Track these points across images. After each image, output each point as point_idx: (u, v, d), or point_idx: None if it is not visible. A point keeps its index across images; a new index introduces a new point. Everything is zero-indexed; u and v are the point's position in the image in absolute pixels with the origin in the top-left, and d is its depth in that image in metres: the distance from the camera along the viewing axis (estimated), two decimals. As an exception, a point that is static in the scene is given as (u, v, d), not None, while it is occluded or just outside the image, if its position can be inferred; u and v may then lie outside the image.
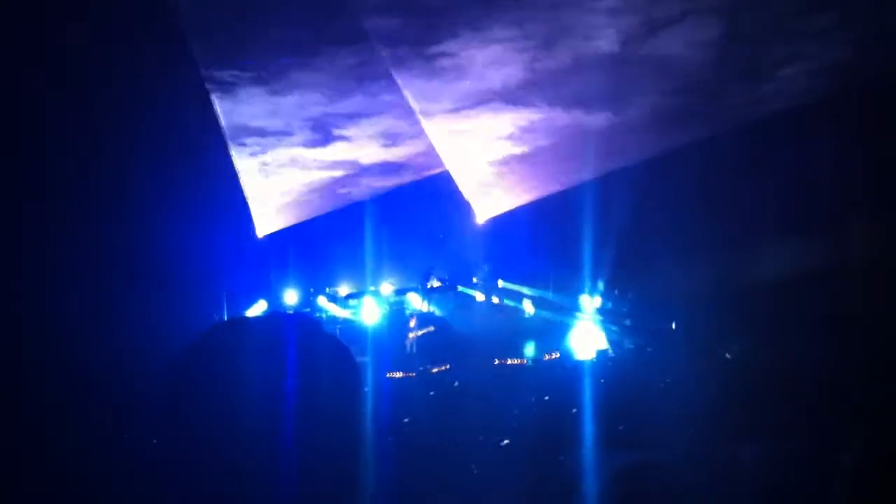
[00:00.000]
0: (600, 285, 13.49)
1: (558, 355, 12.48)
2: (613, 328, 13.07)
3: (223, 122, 11.01)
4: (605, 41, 10.00)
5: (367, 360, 10.64)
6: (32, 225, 7.87)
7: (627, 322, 13.07)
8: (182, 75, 9.47)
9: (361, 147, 12.71)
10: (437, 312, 13.77)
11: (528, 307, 13.76)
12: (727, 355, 10.12)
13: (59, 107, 8.12)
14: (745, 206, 10.90)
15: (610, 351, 12.11)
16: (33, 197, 7.96)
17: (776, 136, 10.36)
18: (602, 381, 8.64)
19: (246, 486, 1.77)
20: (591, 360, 11.48)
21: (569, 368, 11.20)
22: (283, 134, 12.08)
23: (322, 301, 14.01)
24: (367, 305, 13.85)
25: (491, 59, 10.60)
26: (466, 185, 12.59)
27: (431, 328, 12.96)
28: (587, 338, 13.31)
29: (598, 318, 13.48)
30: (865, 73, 9.75)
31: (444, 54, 10.48)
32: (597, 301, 13.62)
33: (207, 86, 10.12)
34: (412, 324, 13.07)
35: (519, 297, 14.00)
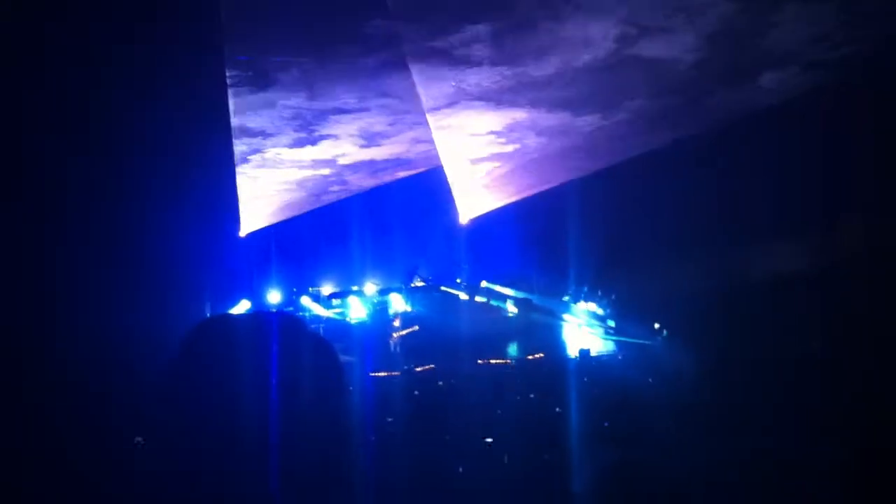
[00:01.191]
0: (584, 286, 13.53)
1: (542, 355, 12.51)
2: (597, 328, 13.12)
3: (210, 119, 10.93)
4: (594, 43, 10.05)
5: (351, 359, 10.62)
6: (26, 221, 7.79)
7: (611, 322, 13.13)
8: (171, 74, 9.39)
9: (345, 145, 12.68)
10: (421, 312, 13.76)
11: (512, 307, 13.76)
12: (711, 354, 10.19)
13: (54, 105, 8.04)
14: (733, 205, 10.98)
15: (593, 351, 12.15)
16: (27, 193, 7.88)
17: (763, 133, 10.42)
18: (585, 380, 8.68)
19: (230, 483, 1.76)
20: (575, 360, 11.52)
21: (552, 368, 11.24)
22: (265, 132, 12.04)
23: (305, 300, 13.95)
24: (350, 305, 13.81)
25: (477, 59, 10.63)
26: (451, 185, 12.60)
27: (415, 328, 12.95)
28: (571, 338, 13.35)
29: (582, 318, 13.52)
30: (857, 68, 9.82)
31: (430, 54, 10.49)
32: (580, 301, 13.66)
33: (194, 83, 10.04)
34: (396, 323, 13.06)
35: (502, 297, 14.00)
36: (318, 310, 13.80)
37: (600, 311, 13.25)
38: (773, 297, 9.97)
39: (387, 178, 13.64)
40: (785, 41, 9.80)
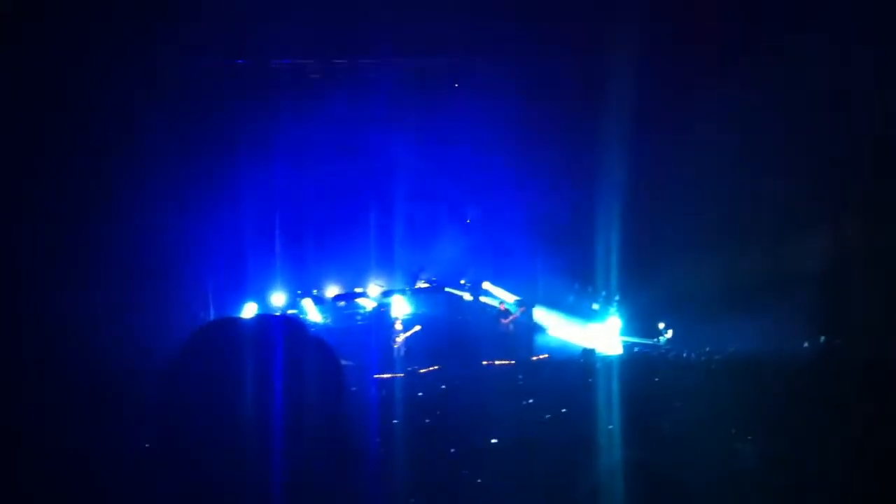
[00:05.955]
0: (589, 287, 13.52)
1: (546, 356, 12.49)
2: (601, 329, 13.11)
3: (217, 122, 10.89)
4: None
5: (354, 361, 10.60)
6: (31, 223, 7.78)
7: (615, 322, 13.13)
8: (177, 73, 9.37)
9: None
10: (425, 313, 13.74)
11: (516, 309, 13.76)
12: (717, 355, 10.17)
13: (60, 105, 8.02)
14: (737, 207, 10.95)
15: (598, 351, 12.13)
16: (33, 196, 7.86)
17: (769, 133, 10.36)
18: (590, 380, 8.64)
19: (231, 487, 1.75)
20: (579, 361, 11.50)
21: (557, 369, 11.21)
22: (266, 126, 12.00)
23: (309, 303, 13.94)
24: (353, 306, 13.84)
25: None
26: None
27: (418, 328, 12.94)
28: (575, 339, 13.35)
29: (587, 319, 13.52)
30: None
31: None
32: (585, 303, 13.66)
33: (194, 82, 10.01)
34: (400, 325, 13.04)
35: (506, 299, 14.00)
36: (314, 315, 13.72)
37: (604, 311, 13.25)
38: (781, 295, 9.94)
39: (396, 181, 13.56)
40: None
